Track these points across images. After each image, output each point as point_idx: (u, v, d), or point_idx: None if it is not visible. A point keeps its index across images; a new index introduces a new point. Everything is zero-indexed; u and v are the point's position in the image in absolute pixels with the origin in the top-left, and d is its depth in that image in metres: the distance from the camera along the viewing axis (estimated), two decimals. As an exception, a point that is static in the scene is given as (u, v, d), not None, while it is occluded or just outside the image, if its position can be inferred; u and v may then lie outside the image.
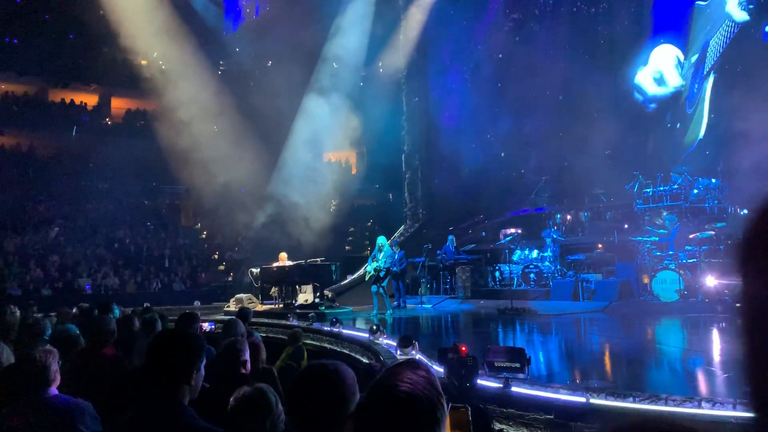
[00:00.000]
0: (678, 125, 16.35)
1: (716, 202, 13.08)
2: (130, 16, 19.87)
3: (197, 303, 17.27)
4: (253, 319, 12.81)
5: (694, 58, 16.10)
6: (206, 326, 8.68)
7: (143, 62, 21.92)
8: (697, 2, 16.15)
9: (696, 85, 15.93)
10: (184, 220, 27.33)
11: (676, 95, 16.47)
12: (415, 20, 21.12)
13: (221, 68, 24.73)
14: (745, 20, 14.79)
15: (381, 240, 13.89)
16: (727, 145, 13.88)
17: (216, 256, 23.38)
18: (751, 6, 14.62)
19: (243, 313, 7.56)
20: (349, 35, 20.59)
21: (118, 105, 29.82)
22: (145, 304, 11.65)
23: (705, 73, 15.66)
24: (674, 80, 16.49)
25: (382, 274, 13.37)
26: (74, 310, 8.40)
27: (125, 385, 3.74)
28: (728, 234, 12.24)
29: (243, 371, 3.94)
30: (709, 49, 15.64)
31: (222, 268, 22.56)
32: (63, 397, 3.29)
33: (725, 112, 14.81)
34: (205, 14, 23.94)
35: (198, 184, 20.58)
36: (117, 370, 4.40)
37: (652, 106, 16.89)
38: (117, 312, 7.37)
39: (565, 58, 17.74)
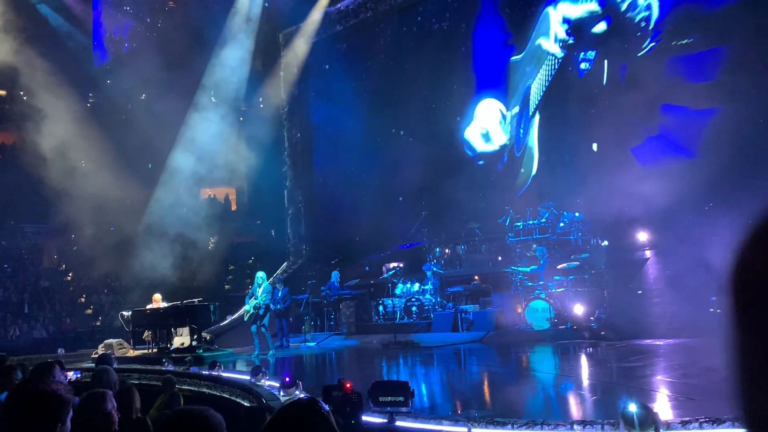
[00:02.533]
0: (510, 169, 17.17)
1: (580, 234, 14.01)
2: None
3: (61, 350, 15.94)
4: (125, 366, 12.06)
5: (515, 110, 17.01)
6: (71, 375, 8.00)
7: (1, 93, 20.35)
8: (511, 59, 17.33)
9: (521, 130, 16.88)
10: (47, 261, 25.31)
11: (503, 149, 17.38)
12: (295, 56, 21.22)
13: (91, 100, 23.47)
14: (563, 55, 15.86)
15: (261, 275, 13.44)
16: (565, 179, 14.86)
17: (83, 300, 21.81)
18: (570, 40, 15.70)
19: (103, 359, 7.05)
20: (228, 70, 20.31)
21: (-28, 138, 27.37)
22: (-1, 354, 10.57)
23: (530, 115, 16.59)
24: (500, 138, 17.37)
25: (261, 311, 12.96)
26: None
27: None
28: (591, 264, 13.14)
29: (107, 424, 3.63)
30: (531, 93, 16.57)
31: (90, 312, 21.07)
32: None
33: (553, 148, 15.90)
34: (72, 45, 22.67)
35: (63, 222, 19.18)
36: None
37: (481, 162, 17.79)
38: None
39: (423, 96, 18.46)
